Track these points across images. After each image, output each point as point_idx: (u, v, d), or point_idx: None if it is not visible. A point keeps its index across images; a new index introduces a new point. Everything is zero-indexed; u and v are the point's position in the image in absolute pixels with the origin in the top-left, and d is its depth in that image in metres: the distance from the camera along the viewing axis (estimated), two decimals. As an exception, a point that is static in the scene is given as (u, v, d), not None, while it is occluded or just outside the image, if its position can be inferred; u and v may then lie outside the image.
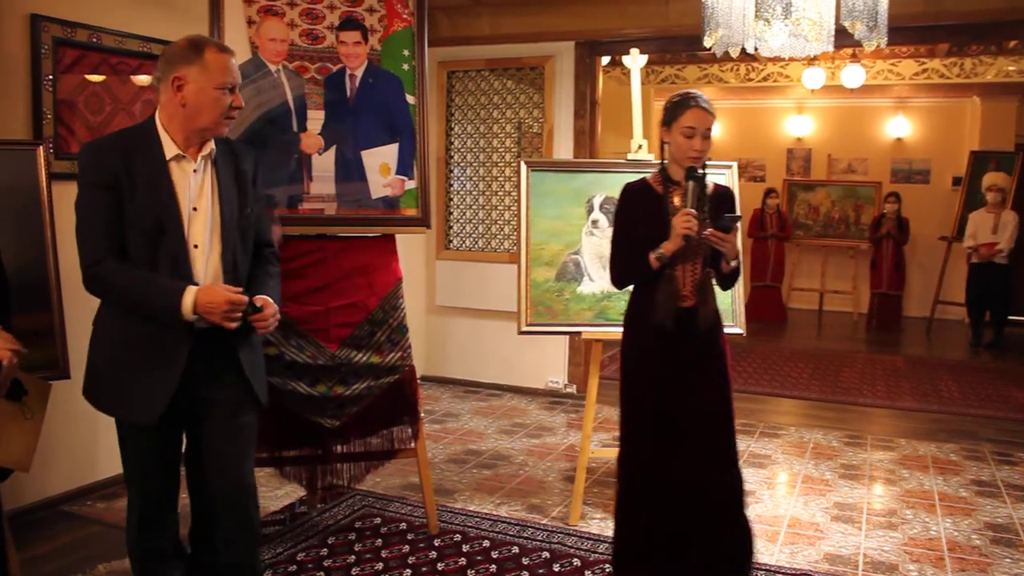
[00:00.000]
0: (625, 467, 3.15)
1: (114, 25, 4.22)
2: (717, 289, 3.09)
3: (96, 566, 3.48)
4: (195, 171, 2.56)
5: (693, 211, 2.90)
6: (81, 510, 4.08)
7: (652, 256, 2.97)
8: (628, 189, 3.14)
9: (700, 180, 2.98)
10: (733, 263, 3.01)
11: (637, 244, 3.01)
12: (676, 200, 3.04)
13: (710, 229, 2.92)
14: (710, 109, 2.98)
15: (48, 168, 3.06)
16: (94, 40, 4.14)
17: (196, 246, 2.55)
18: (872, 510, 4.28)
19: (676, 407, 3.01)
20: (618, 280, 3.19)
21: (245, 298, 2.51)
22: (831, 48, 3.05)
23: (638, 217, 3.06)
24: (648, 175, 3.16)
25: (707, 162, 3.08)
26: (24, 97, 3.90)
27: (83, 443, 4.16)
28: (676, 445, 3.01)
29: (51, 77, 3.96)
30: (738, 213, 3.21)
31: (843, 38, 3.11)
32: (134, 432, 2.57)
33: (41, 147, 3.08)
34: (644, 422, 3.08)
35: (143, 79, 4.36)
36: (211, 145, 2.61)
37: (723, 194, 3.15)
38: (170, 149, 2.52)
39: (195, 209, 2.55)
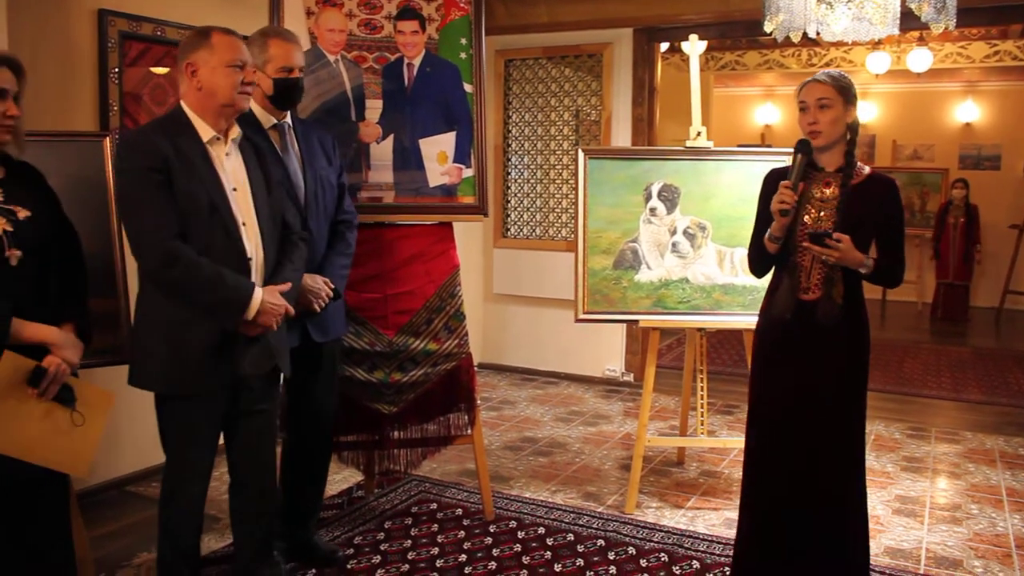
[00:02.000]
0: (746, 461, 3.05)
1: (177, 18, 4.30)
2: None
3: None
4: (227, 154, 2.69)
5: (789, 183, 2.78)
6: (146, 491, 4.19)
7: (764, 238, 2.90)
8: (768, 175, 3.03)
9: (808, 153, 2.83)
10: (863, 270, 2.79)
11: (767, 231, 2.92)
12: (816, 190, 2.87)
13: (806, 243, 2.78)
14: (825, 80, 2.80)
15: (114, 159, 3.13)
16: (158, 33, 4.23)
17: (244, 224, 2.68)
18: (935, 504, 4.19)
19: (795, 403, 2.88)
20: (751, 266, 3.10)
21: (292, 309, 2.73)
22: (897, 31, 2.97)
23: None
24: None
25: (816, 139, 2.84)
26: (91, 90, 4.00)
27: (148, 426, 4.23)
28: (794, 442, 2.89)
29: (117, 70, 4.05)
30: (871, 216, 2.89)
31: (909, 20, 3.03)
32: (186, 405, 2.69)
33: (108, 138, 3.15)
34: (764, 417, 2.98)
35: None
36: (237, 130, 2.75)
37: (876, 183, 2.87)
38: (205, 132, 2.65)
39: (235, 189, 2.69)
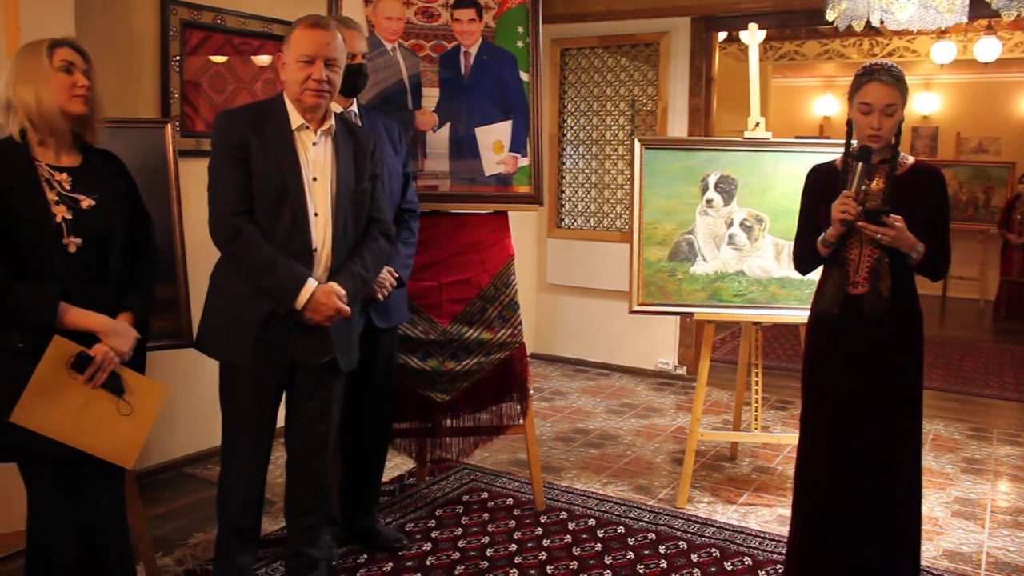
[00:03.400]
0: (798, 458, 3.01)
1: (237, 7, 4.35)
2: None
3: (215, 527, 3.62)
4: (314, 144, 2.69)
5: (851, 193, 2.70)
6: (202, 473, 4.26)
7: (818, 241, 2.84)
8: (812, 171, 2.98)
9: (867, 160, 2.73)
10: (915, 255, 2.72)
11: (815, 228, 2.86)
12: (865, 185, 2.79)
13: (861, 221, 2.70)
14: (893, 83, 2.68)
15: (175, 145, 3.18)
16: (218, 22, 4.28)
17: (316, 214, 2.70)
18: (997, 507, 4.09)
19: (845, 400, 2.83)
20: (796, 264, 3.05)
21: (349, 311, 2.71)
22: (965, 19, 2.89)
23: (820, 200, 2.87)
24: (839, 157, 2.94)
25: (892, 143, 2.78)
26: (153, 77, 4.07)
27: (204, 409, 4.32)
28: (847, 441, 2.84)
29: (178, 58, 4.11)
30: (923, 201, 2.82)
31: (978, 8, 2.95)
32: (243, 379, 2.75)
33: (169, 125, 3.20)
34: (815, 413, 2.93)
35: (263, 59, 4.49)
36: (330, 121, 2.75)
37: (921, 173, 2.81)
38: (295, 120, 2.69)
39: (315, 179, 2.71)
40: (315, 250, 2.69)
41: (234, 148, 2.62)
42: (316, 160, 2.71)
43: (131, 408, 2.42)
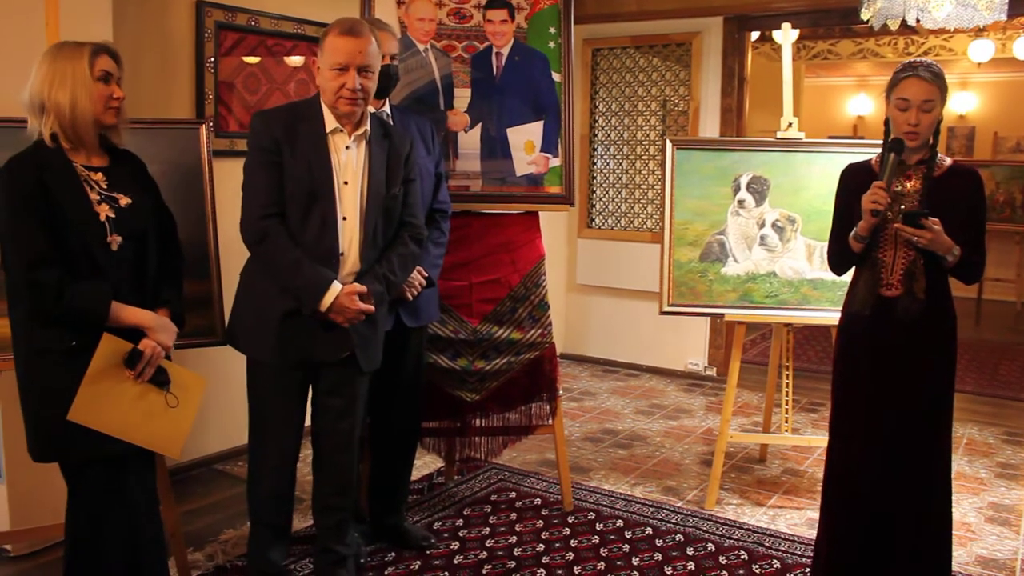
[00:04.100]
0: (827, 461, 2.98)
1: (271, 8, 4.39)
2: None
3: (246, 523, 3.65)
4: (347, 148, 2.70)
5: (882, 184, 2.68)
6: (233, 470, 4.31)
7: (850, 237, 2.82)
8: (847, 170, 2.96)
9: (900, 152, 2.72)
10: (950, 258, 2.69)
11: (849, 227, 2.84)
12: (898, 183, 2.78)
13: (898, 223, 2.68)
14: (931, 79, 2.66)
15: (209, 145, 3.21)
16: (252, 23, 4.32)
17: (345, 218, 2.72)
18: (1032, 512, 4.04)
19: (875, 404, 2.80)
20: (830, 264, 3.02)
21: (373, 309, 2.74)
22: (1004, 17, 2.85)
23: (854, 199, 2.83)
24: (874, 156, 2.94)
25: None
26: (188, 78, 4.12)
27: (236, 407, 4.35)
28: (873, 444, 2.81)
29: (212, 59, 4.16)
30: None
31: (1018, 6, 2.91)
32: (267, 374, 2.81)
33: (203, 126, 3.23)
34: (845, 416, 2.90)
35: (296, 60, 4.53)
36: (365, 125, 2.76)
37: (958, 175, 2.78)
38: (330, 123, 2.71)
39: (346, 183, 2.72)
40: (341, 254, 2.72)
41: (267, 150, 2.65)
42: (348, 164, 2.73)
43: (177, 400, 2.48)
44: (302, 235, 2.66)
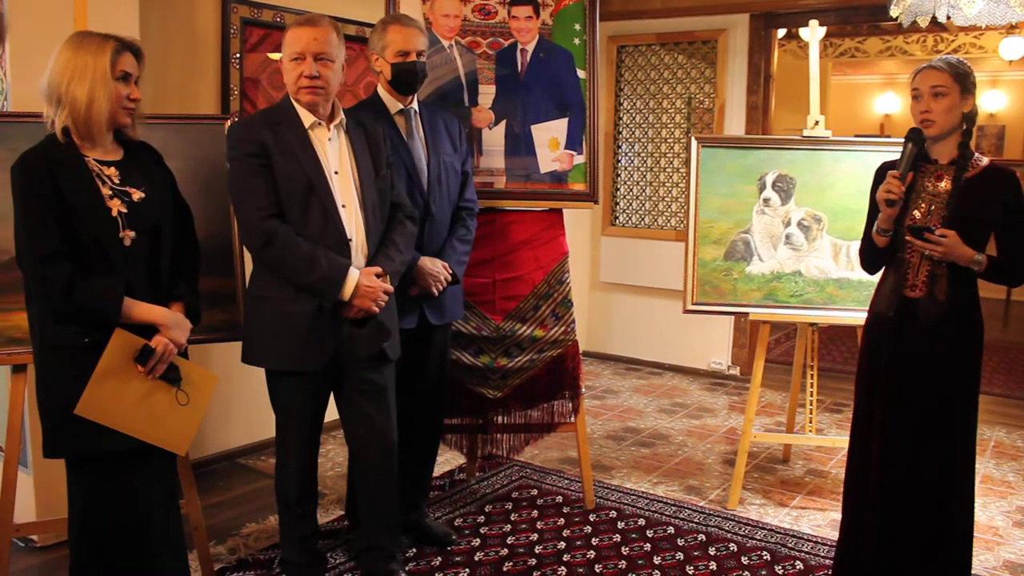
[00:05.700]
0: (848, 461, 2.97)
1: (297, 5, 4.40)
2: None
3: (267, 517, 3.69)
4: (330, 139, 2.76)
5: (897, 173, 2.67)
6: (256, 464, 4.33)
7: (873, 232, 2.80)
8: (880, 167, 2.92)
9: (919, 143, 2.71)
10: (975, 268, 2.66)
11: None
12: (928, 183, 2.75)
13: (908, 236, 2.67)
14: (942, 67, 2.66)
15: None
16: (277, 19, 4.34)
17: (344, 205, 2.75)
18: (1060, 516, 3.98)
19: (897, 405, 2.78)
20: (861, 262, 3.01)
21: (392, 288, 2.77)
22: (1038, 14, 2.81)
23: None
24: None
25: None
26: (214, 74, 4.14)
27: (259, 400, 4.39)
28: (893, 445, 2.78)
29: (238, 55, 4.18)
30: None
31: (1051, 4, 2.86)
32: (291, 383, 2.80)
33: (228, 121, 3.25)
34: (867, 416, 2.88)
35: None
36: (340, 116, 2.81)
37: (994, 175, 2.73)
38: (307, 118, 2.73)
39: (336, 172, 2.76)
40: (350, 240, 2.74)
41: (254, 155, 2.66)
42: (334, 154, 2.76)
43: (188, 398, 2.47)
44: (305, 229, 2.66)
